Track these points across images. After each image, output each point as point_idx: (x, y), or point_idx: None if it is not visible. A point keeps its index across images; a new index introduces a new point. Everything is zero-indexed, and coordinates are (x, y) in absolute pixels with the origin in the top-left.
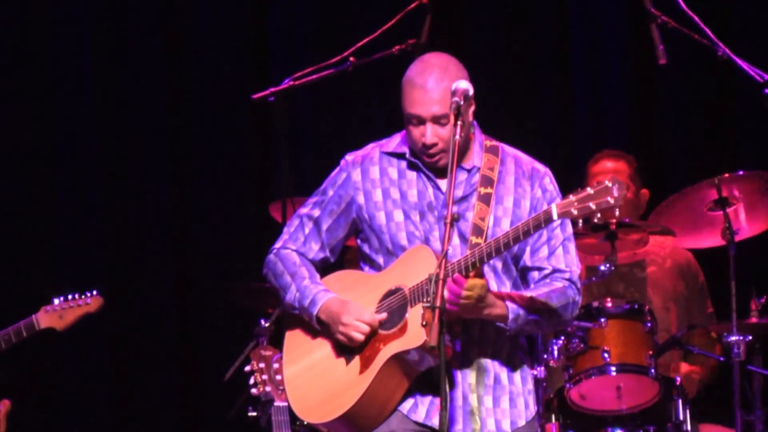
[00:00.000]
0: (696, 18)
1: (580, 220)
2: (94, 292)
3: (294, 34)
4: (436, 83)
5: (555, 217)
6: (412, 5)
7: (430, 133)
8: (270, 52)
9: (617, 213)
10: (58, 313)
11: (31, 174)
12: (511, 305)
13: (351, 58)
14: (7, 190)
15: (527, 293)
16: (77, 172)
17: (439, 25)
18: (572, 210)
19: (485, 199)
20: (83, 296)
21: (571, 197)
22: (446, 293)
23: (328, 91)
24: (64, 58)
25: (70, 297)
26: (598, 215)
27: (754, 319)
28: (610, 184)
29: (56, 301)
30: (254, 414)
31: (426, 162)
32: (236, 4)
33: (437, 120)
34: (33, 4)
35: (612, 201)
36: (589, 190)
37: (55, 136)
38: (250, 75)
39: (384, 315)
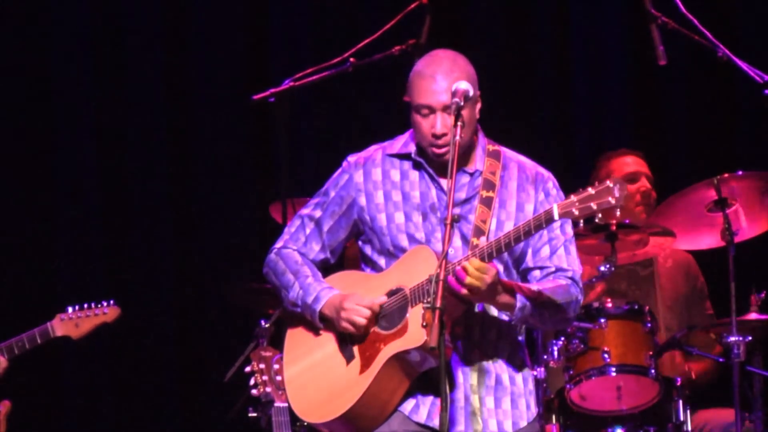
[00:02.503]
0: (695, 20)
1: (582, 221)
2: (111, 302)
3: (294, 34)
4: (446, 74)
5: (556, 217)
6: (412, 6)
7: (440, 123)
8: (270, 52)
9: (618, 213)
10: (74, 322)
11: (30, 173)
12: (519, 294)
13: (351, 59)
14: (5, 190)
15: (533, 286)
16: (77, 173)
17: (439, 26)
18: (573, 210)
19: (487, 203)
20: (100, 305)
21: (573, 197)
22: (460, 272)
23: (329, 92)
24: (64, 59)
25: (86, 305)
26: (600, 215)
27: (753, 315)
28: (611, 185)
29: (70, 309)
30: (254, 415)
31: (434, 155)
32: (236, 5)
33: (447, 109)
34: (32, 4)
35: (613, 201)
36: (591, 191)
37: (55, 135)
38: (250, 75)
39: (384, 299)
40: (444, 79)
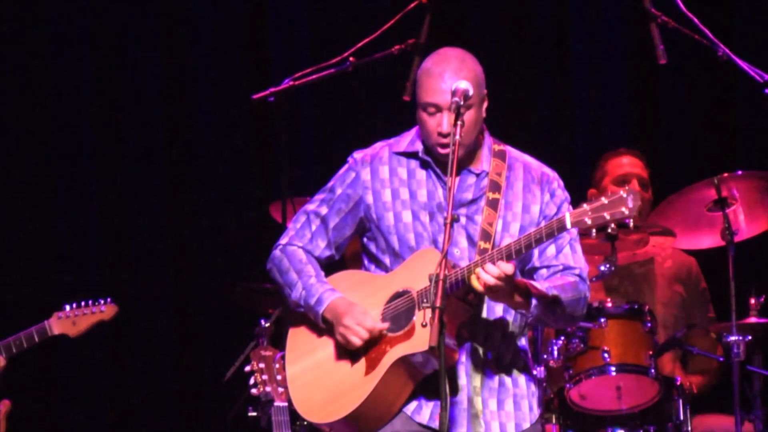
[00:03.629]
0: (695, 19)
1: (594, 230)
2: (108, 300)
3: (294, 34)
4: (454, 73)
5: (569, 226)
6: (412, 5)
7: (446, 122)
8: (270, 52)
9: (631, 224)
10: (71, 320)
11: (29, 172)
12: (533, 292)
13: (351, 58)
14: (4, 188)
15: (544, 283)
16: (76, 172)
17: (438, 25)
18: (586, 219)
19: (493, 205)
20: (97, 303)
21: (585, 206)
22: (485, 275)
23: (328, 92)
24: (63, 60)
25: (83, 304)
26: (612, 225)
27: (753, 319)
28: (624, 195)
29: (68, 308)
30: (254, 414)
31: (439, 154)
32: (236, 5)
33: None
34: (32, 4)
35: (627, 212)
36: (604, 200)
37: (54, 134)
38: (250, 75)
39: (386, 325)
40: (451, 78)
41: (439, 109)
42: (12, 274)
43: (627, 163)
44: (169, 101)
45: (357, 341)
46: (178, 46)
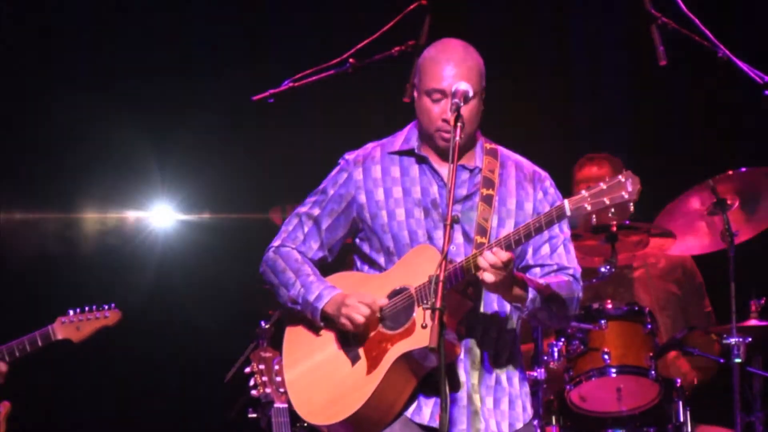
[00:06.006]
0: (696, 20)
1: (593, 216)
2: (112, 305)
3: (294, 34)
4: (461, 60)
5: (568, 212)
6: (412, 6)
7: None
8: (270, 53)
9: (632, 208)
10: (75, 325)
11: (31, 176)
12: (530, 287)
13: (351, 60)
14: (7, 192)
15: (540, 279)
16: (77, 174)
17: (438, 27)
18: (585, 205)
19: (487, 200)
20: (101, 309)
21: (584, 193)
22: (485, 263)
23: (328, 93)
24: (62, 59)
25: (87, 309)
26: (612, 210)
27: (753, 321)
28: (623, 179)
29: (72, 313)
30: (254, 415)
31: (440, 143)
32: (236, 5)
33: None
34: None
35: (626, 195)
36: (602, 185)
37: (54, 136)
38: (250, 76)
39: (385, 301)
40: (458, 66)
41: (444, 95)
42: (16, 278)
43: (586, 177)
44: (169, 105)
45: (360, 318)
46: (179, 48)
